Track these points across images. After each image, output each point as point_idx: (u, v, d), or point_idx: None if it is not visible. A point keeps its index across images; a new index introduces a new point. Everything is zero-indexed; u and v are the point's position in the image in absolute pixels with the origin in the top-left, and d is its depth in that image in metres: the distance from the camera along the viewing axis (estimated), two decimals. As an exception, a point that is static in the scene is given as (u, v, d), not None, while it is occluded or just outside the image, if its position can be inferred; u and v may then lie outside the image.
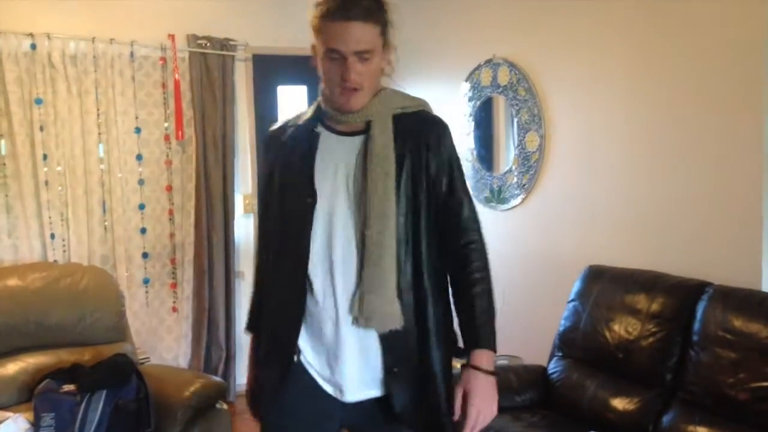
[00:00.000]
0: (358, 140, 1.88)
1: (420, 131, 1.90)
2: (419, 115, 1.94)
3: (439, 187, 1.90)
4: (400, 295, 1.84)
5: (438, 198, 1.90)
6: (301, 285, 1.88)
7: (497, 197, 4.27)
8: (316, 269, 1.87)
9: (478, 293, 1.91)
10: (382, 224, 1.81)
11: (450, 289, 1.97)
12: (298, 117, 2.02)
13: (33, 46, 4.10)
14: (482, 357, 1.87)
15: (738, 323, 2.70)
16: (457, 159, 1.95)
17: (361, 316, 1.82)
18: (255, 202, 4.88)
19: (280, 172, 1.96)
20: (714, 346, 2.75)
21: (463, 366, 1.90)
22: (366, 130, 1.87)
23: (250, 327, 2.17)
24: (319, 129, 1.93)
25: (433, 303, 1.90)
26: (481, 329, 1.89)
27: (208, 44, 4.58)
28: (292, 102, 5.00)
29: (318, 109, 1.95)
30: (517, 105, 4.08)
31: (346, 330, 1.86)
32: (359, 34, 1.78)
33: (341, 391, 1.90)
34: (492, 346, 1.88)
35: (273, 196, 1.97)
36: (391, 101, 1.92)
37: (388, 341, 1.85)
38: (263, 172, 2.08)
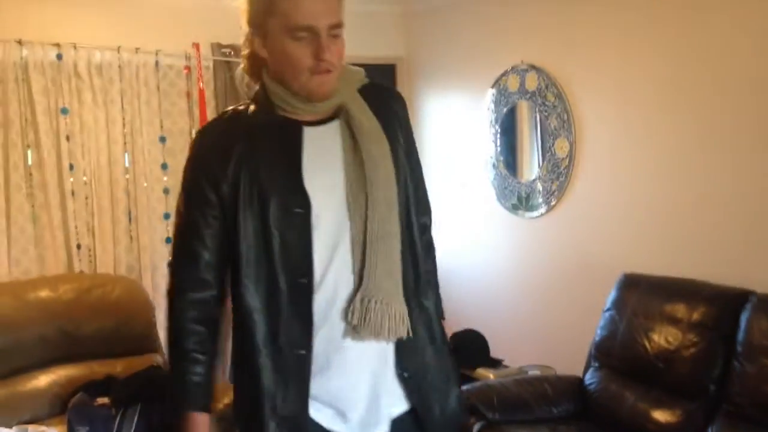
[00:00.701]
0: (334, 127, 1.64)
1: (387, 105, 1.73)
2: (376, 87, 1.76)
3: (413, 164, 1.77)
4: (406, 296, 1.65)
5: (411, 176, 1.75)
6: (308, 318, 1.60)
7: (525, 204, 4.23)
8: (320, 292, 1.60)
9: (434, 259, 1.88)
10: (388, 212, 1.62)
11: None
12: (241, 112, 1.69)
13: (59, 56, 4.08)
14: None
15: (785, 333, 2.67)
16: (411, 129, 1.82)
17: (363, 324, 1.58)
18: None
19: (250, 175, 1.59)
20: (760, 357, 2.71)
21: None
22: (334, 115, 1.65)
23: (198, 405, 1.65)
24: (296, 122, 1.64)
25: (433, 301, 1.77)
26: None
27: (233, 53, 4.55)
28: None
29: (267, 102, 1.65)
30: (545, 111, 4.05)
31: (348, 346, 1.62)
32: (330, 5, 1.57)
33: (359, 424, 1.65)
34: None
35: (236, 207, 1.60)
36: (351, 74, 1.71)
37: (400, 351, 1.65)
38: (206, 173, 1.62)
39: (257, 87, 1.71)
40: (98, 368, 3.35)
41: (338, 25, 1.58)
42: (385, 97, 1.76)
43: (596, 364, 3.35)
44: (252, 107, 1.69)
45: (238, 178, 1.59)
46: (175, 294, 1.67)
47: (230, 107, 1.75)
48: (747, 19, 3.03)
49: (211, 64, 4.52)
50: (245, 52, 1.70)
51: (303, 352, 1.59)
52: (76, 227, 4.19)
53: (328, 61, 1.56)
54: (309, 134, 1.63)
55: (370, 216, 1.59)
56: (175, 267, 1.70)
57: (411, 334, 1.64)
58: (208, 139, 1.69)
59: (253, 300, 1.61)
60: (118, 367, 3.38)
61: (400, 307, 1.62)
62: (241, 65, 1.73)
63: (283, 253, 1.58)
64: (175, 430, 1.66)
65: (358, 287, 1.59)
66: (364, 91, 1.71)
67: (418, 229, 1.74)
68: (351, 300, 1.59)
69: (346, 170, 1.62)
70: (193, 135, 4.44)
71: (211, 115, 4.50)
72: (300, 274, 1.58)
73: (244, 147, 1.61)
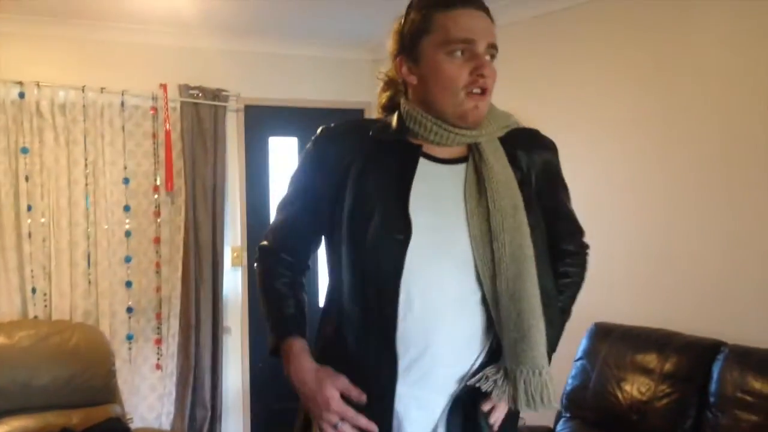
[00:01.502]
0: (460, 169, 1.57)
1: (530, 154, 1.64)
2: (524, 134, 1.67)
3: (554, 211, 1.70)
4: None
5: (554, 222, 1.69)
6: (392, 345, 1.51)
7: (493, 252, 4.22)
8: (406, 331, 1.51)
9: (566, 284, 1.74)
10: (519, 269, 1.50)
11: None
12: (377, 126, 1.64)
13: (21, 95, 4.00)
14: None
15: (758, 385, 2.67)
16: (564, 180, 1.76)
17: (520, 398, 1.50)
18: (244, 255, 4.77)
19: (355, 187, 1.55)
20: (733, 409, 2.70)
21: None
22: (466, 158, 1.57)
23: (295, 331, 1.64)
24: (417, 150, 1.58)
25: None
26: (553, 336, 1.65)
27: (200, 94, 4.51)
28: (283, 154, 4.94)
29: (403, 127, 1.59)
30: (515, 159, 4.06)
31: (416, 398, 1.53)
32: (489, 25, 1.53)
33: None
34: (553, 343, 1.66)
35: (337, 219, 1.57)
36: (498, 117, 1.63)
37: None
38: (315, 174, 1.63)
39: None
40: (54, 419, 3.21)
41: (495, 47, 1.54)
42: (529, 145, 1.66)
43: (567, 415, 3.32)
44: (377, 124, 1.64)
45: (344, 189, 1.55)
46: (267, 250, 1.71)
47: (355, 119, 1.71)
48: (727, 55, 3.08)
49: (178, 105, 4.46)
50: (383, 78, 1.69)
51: (387, 382, 1.51)
52: (32, 271, 4.07)
53: (486, 80, 1.51)
54: (426, 168, 1.56)
55: (498, 274, 1.51)
56: (270, 233, 1.73)
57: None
58: (324, 143, 1.64)
59: (346, 311, 1.56)
60: (75, 418, 3.24)
61: (538, 378, 1.52)
62: (378, 98, 1.71)
63: (375, 277, 1.51)
64: (280, 359, 1.63)
65: (485, 350, 1.54)
66: (510, 138, 1.63)
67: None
68: (478, 364, 1.54)
69: (469, 220, 1.53)
70: (158, 178, 4.38)
71: (176, 157, 4.44)
72: (385, 303, 1.50)
73: (357, 160, 1.57)
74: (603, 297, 3.59)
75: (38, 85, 4.03)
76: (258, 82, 4.75)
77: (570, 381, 3.33)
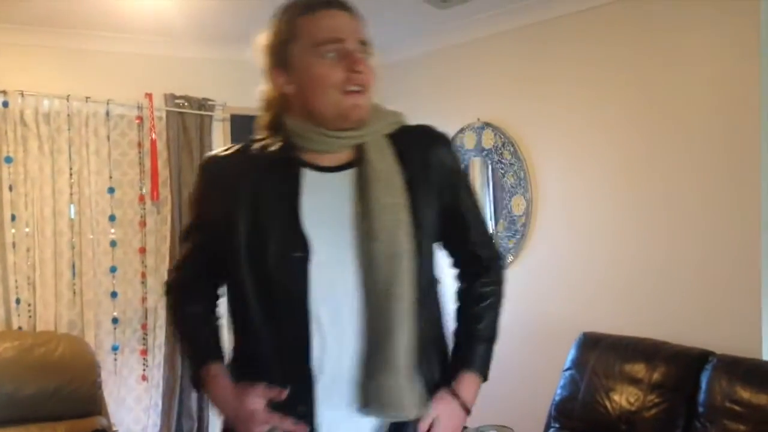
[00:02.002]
0: (347, 176, 1.53)
1: (424, 149, 1.60)
2: (416, 130, 1.63)
3: (457, 212, 1.64)
4: (417, 368, 1.50)
5: (450, 225, 1.63)
6: (307, 374, 1.49)
7: (481, 261, 4.22)
8: (321, 353, 1.49)
9: (485, 307, 1.68)
10: (393, 270, 1.47)
11: (455, 304, 1.72)
12: (253, 147, 1.59)
13: (5, 104, 3.95)
14: (468, 384, 1.61)
15: (746, 395, 2.69)
16: (467, 177, 1.72)
17: (360, 400, 1.48)
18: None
19: (248, 212, 1.51)
20: (722, 418, 2.72)
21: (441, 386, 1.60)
22: (354, 162, 1.54)
23: (212, 356, 1.62)
24: (299, 164, 1.54)
25: (441, 370, 1.61)
26: (476, 349, 1.64)
27: (186, 104, 4.49)
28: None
29: (286, 143, 1.55)
30: (502, 168, 4.07)
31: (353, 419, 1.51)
32: (355, 23, 1.52)
33: None
34: (483, 372, 1.64)
35: (234, 247, 1.52)
36: (383, 116, 1.59)
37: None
38: (204, 201, 1.62)
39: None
40: (38, 432, 3.16)
41: (367, 43, 1.51)
42: (421, 142, 1.61)
43: (556, 425, 3.32)
44: (261, 145, 1.59)
45: (237, 220, 1.51)
46: (173, 286, 1.72)
47: (240, 143, 1.65)
48: (708, 75, 3.11)
49: (163, 115, 4.44)
50: (264, 99, 1.63)
51: (306, 409, 1.48)
52: (15, 281, 4.02)
53: (362, 76, 1.47)
54: (311, 178, 1.53)
55: (369, 275, 1.48)
56: (174, 270, 1.74)
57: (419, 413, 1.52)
58: (209, 171, 1.62)
59: (256, 345, 1.52)
60: (60, 430, 3.21)
61: (403, 388, 1.47)
62: (260, 119, 1.65)
63: (281, 300, 1.48)
64: (199, 387, 1.63)
65: (363, 358, 1.49)
66: (400, 136, 1.59)
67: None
68: (352, 368, 1.49)
69: (354, 222, 1.50)
70: (144, 187, 4.35)
71: (162, 166, 4.42)
72: (295, 325, 1.47)
73: (244, 183, 1.53)
74: (591, 306, 3.61)
75: (22, 93, 3.99)
76: (244, 92, 4.67)
77: (559, 391, 3.33)
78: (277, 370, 1.50)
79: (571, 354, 3.36)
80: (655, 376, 2.98)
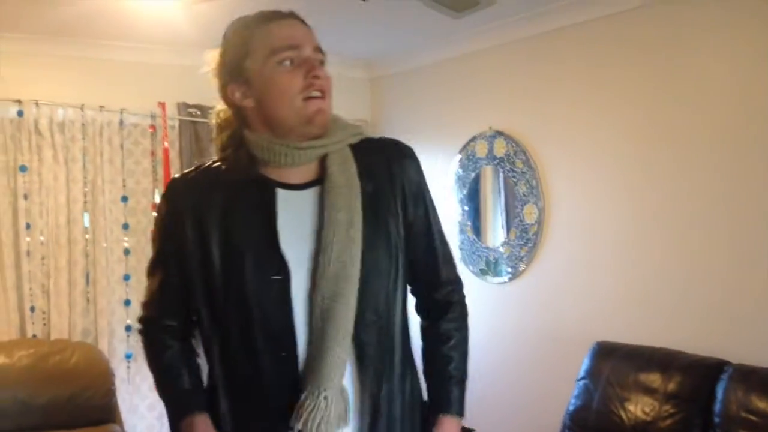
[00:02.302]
0: (314, 192, 1.53)
1: (388, 163, 1.58)
2: (381, 143, 1.65)
3: (418, 230, 1.61)
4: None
5: (413, 243, 1.60)
6: (296, 390, 1.48)
7: (493, 270, 4.22)
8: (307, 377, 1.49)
9: (453, 347, 1.65)
10: (336, 288, 1.45)
11: (421, 342, 1.70)
12: (226, 166, 1.57)
13: (20, 113, 3.98)
14: (449, 427, 1.62)
15: (762, 405, 2.68)
16: (430, 193, 1.67)
17: (299, 418, 1.45)
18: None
19: (219, 233, 1.50)
20: (738, 429, 2.71)
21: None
22: (320, 180, 1.53)
23: (193, 407, 1.59)
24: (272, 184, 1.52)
25: (408, 380, 1.62)
26: (452, 391, 1.64)
27: (199, 112, 4.51)
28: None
29: (246, 158, 1.53)
30: (514, 177, 4.07)
31: None
32: (308, 31, 1.53)
33: None
34: (461, 412, 1.64)
35: (208, 274, 1.51)
36: (345, 126, 1.59)
37: None
38: (171, 235, 1.57)
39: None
40: (53, 440, 3.18)
41: (322, 51, 1.52)
42: (385, 153, 1.61)
43: (570, 435, 3.31)
44: (224, 165, 1.57)
45: (207, 245, 1.49)
46: (147, 320, 1.66)
47: (200, 163, 1.64)
48: (725, 75, 3.10)
49: (176, 124, 4.46)
50: (218, 120, 1.63)
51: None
52: (30, 289, 4.05)
53: (321, 82, 1.48)
54: (284, 197, 1.51)
55: (316, 290, 1.46)
56: (146, 303, 1.67)
57: None
58: (174, 196, 1.59)
59: (230, 380, 1.52)
60: (75, 439, 3.21)
61: (339, 406, 1.46)
62: (215, 141, 1.63)
63: (263, 324, 1.46)
64: None
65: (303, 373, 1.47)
66: (362, 147, 1.59)
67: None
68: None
69: (314, 238, 1.49)
70: (157, 195, 4.37)
71: (175, 174, 4.42)
72: (281, 348, 1.47)
73: (213, 205, 1.51)
74: (604, 315, 3.60)
75: (37, 103, 4.02)
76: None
77: (573, 401, 3.32)
78: (261, 395, 1.49)
79: (585, 363, 3.35)
80: (671, 386, 2.97)
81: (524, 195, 4.03)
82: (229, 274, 1.48)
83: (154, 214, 4.35)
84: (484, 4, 2.79)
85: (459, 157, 4.43)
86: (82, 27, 3.90)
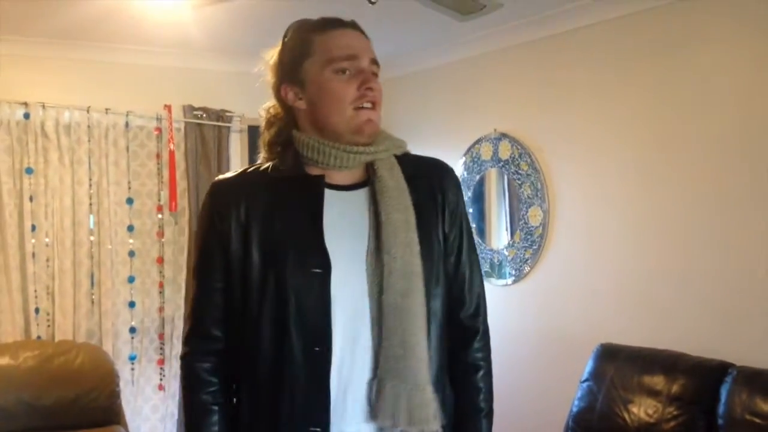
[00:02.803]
0: (362, 194, 1.56)
1: (431, 177, 1.63)
2: (424, 159, 1.68)
3: (451, 248, 1.63)
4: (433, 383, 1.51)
5: (448, 260, 1.63)
6: (325, 393, 1.49)
7: (497, 272, 4.23)
8: (337, 365, 1.50)
9: (482, 378, 1.67)
10: (408, 285, 1.49)
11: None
12: (272, 165, 1.60)
13: (26, 116, 4.01)
14: None
15: (766, 407, 2.67)
16: (467, 216, 1.71)
17: (382, 413, 1.47)
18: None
19: (263, 230, 1.52)
20: (742, 431, 2.69)
21: None
22: (366, 182, 1.57)
23: None
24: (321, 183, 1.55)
25: (448, 390, 1.62)
26: (482, 424, 1.66)
27: (204, 115, 4.53)
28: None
29: (294, 158, 1.56)
30: (519, 179, 4.08)
31: None
32: (367, 43, 1.57)
33: None
34: None
35: (246, 265, 1.52)
36: (390, 138, 1.62)
37: None
38: (215, 230, 1.56)
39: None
40: (58, 441, 3.18)
41: (377, 63, 1.56)
42: (430, 170, 1.65)
43: (574, 437, 3.30)
44: (272, 165, 1.59)
45: (249, 238, 1.51)
46: (188, 346, 1.60)
47: (244, 168, 1.65)
48: (729, 83, 3.10)
49: (182, 126, 4.48)
50: (267, 115, 1.64)
51: (318, 430, 1.47)
52: (35, 291, 4.07)
53: (373, 93, 1.51)
54: (332, 197, 1.54)
55: (386, 288, 1.48)
56: (187, 321, 1.64)
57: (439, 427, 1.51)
58: (218, 194, 1.60)
59: (263, 368, 1.50)
60: (79, 440, 3.22)
61: (421, 395, 1.48)
62: (263, 136, 1.64)
63: (299, 318, 1.47)
64: None
65: (374, 369, 1.49)
66: (405, 160, 1.62)
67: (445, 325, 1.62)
68: (369, 382, 1.49)
69: (369, 237, 1.52)
70: (162, 197, 4.39)
71: (180, 177, 4.46)
72: (316, 342, 1.47)
73: (257, 203, 1.53)
74: (608, 317, 3.59)
75: (43, 105, 4.05)
76: (262, 103, 4.75)
77: (576, 403, 3.32)
78: (288, 388, 1.48)
79: (589, 365, 3.35)
80: (674, 388, 2.96)
81: (529, 197, 4.03)
82: (268, 267, 1.49)
83: (159, 216, 4.41)
84: (491, 7, 2.79)
85: (464, 159, 4.44)
86: (88, 30, 3.93)
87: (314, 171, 1.56)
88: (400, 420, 1.46)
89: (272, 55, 1.61)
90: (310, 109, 1.54)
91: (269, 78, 1.61)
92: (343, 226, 1.53)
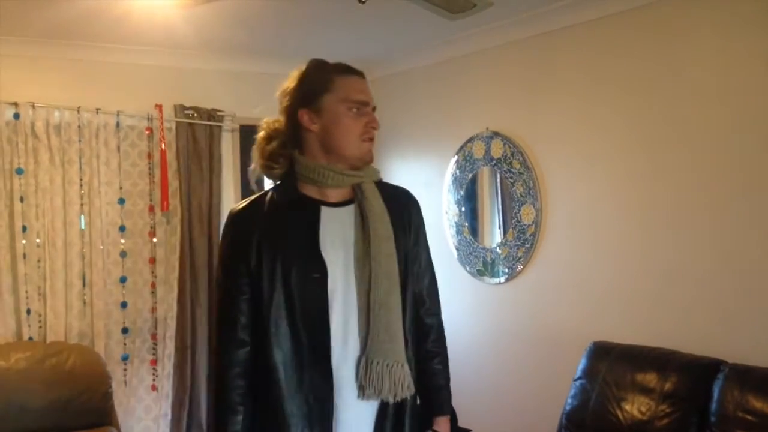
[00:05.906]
0: (350, 210, 1.94)
1: (400, 202, 2.03)
2: (394, 187, 2.08)
3: (415, 258, 2.03)
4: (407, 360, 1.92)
5: (413, 267, 2.02)
6: (328, 371, 1.86)
7: (490, 270, 4.23)
8: (336, 351, 1.88)
9: (439, 362, 2.07)
10: (390, 285, 1.88)
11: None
12: (276, 192, 1.98)
13: (16, 116, 3.98)
14: (445, 423, 2.06)
15: (759, 404, 2.68)
16: (426, 233, 2.10)
17: (369, 384, 1.85)
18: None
19: (271, 246, 1.88)
20: (734, 428, 2.71)
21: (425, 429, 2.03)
22: (352, 200, 1.95)
23: None
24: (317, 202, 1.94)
25: (414, 370, 1.99)
26: (443, 396, 2.07)
27: (196, 114, 4.51)
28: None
29: (290, 180, 1.96)
30: (511, 178, 4.08)
31: (344, 408, 1.88)
32: (370, 91, 1.96)
33: None
34: (450, 411, 2.09)
35: (261, 274, 1.88)
36: (371, 168, 2.00)
37: (384, 413, 1.91)
38: (236, 249, 1.95)
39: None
40: (50, 443, 3.17)
41: (374, 107, 1.97)
42: (399, 196, 2.06)
43: (567, 435, 3.31)
44: (272, 193, 1.96)
45: (261, 253, 1.87)
46: (220, 353, 1.94)
47: (253, 196, 2.01)
48: (719, 80, 3.10)
49: (173, 126, 4.46)
50: (267, 129, 1.98)
51: (326, 402, 1.85)
52: (26, 292, 4.05)
53: (374, 131, 1.93)
54: (326, 213, 1.92)
55: (373, 287, 1.86)
56: (218, 330, 1.99)
57: (413, 395, 1.93)
58: (236, 221, 1.96)
59: (279, 355, 1.84)
60: (71, 441, 3.20)
61: (401, 370, 1.87)
62: (262, 148, 1.99)
63: (304, 313, 1.84)
64: None
65: (363, 351, 1.86)
66: (380, 187, 2.00)
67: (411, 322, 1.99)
68: (358, 362, 1.86)
69: (356, 246, 1.90)
70: (153, 196, 4.37)
71: (172, 177, 4.44)
72: (318, 331, 1.85)
73: (266, 225, 1.90)
74: (601, 315, 3.60)
75: (33, 105, 4.02)
76: (252, 103, 4.74)
77: (569, 401, 3.33)
78: (298, 370, 1.85)
79: (582, 363, 3.35)
80: (667, 385, 2.97)
81: (521, 196, 4.03)
82: (277, 275, 1.85)
83: (151, 216, 4.40)
84: (482, 5, 2.79)
85: (456, 158, 4.44)
86: (79, 29, 3.91)
87: (310, 188, 1.94)
88: (383, 389, 1.85)
89: (290, 82, 1.93)
90: (322, 133, 1.90)
91: (283, 100, 1.94)
92: (335, 238, 1.90)
